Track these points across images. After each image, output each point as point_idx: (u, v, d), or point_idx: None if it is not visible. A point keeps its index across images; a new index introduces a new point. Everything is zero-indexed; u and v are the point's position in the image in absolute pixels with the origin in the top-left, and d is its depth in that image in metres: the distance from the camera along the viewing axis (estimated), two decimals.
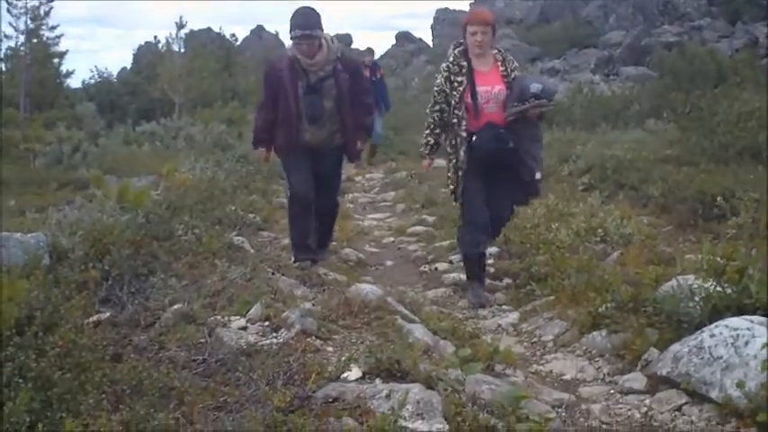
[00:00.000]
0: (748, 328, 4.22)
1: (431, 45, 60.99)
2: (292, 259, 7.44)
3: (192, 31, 43.82)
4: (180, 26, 35.88)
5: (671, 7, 45.52)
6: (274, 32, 65.02)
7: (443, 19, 61.53)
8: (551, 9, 57.09)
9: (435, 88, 7.01)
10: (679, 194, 9.76)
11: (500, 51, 7.12)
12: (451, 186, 7.06)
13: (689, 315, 4.85)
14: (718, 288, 4.80)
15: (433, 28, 62.35)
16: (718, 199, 8.91)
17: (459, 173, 6.88)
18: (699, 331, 4.50)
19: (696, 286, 4.97)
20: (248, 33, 68.33)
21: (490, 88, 6.83)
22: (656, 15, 45.51)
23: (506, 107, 6.78)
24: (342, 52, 7.57)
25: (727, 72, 21.00)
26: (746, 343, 4.13)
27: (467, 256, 7.14)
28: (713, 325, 4.43)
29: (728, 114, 13.10)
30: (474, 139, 6.74)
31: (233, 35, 58.26)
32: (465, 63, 6.87)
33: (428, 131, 7.12)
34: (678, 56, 25.97)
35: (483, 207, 6.90)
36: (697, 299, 4.87)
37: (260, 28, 68.94)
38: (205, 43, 47.61)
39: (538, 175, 6.89)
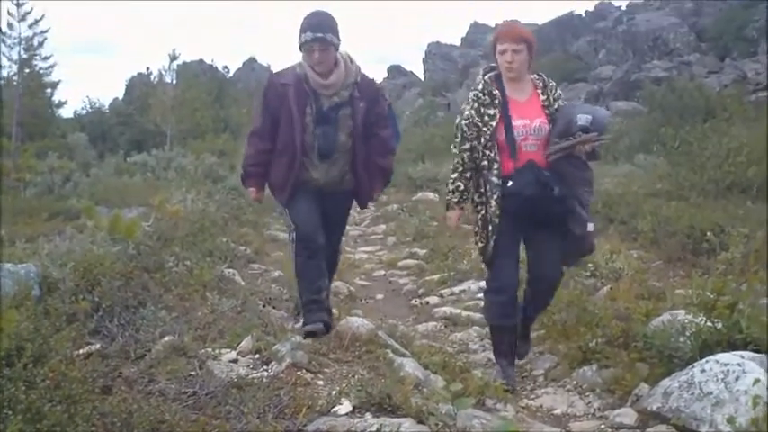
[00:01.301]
0: (739, 364, 4.23)
1: (422, 78, 61.40)
2: (301, 321, 5.89)
3: (184, 63, 44.05)
4: (173, 58, 36.07)
5: (660, 42, 45.82)
6: (266, 65, 65.25)
7: (435, 53, 62.02)
8: (541, 43, 57.18)
9: (464, 121, 5.54)
10: (669, 229, 9.79)
11: (540, 76, 5.66)
12: (480, 244, 5.62)
13: (679, 350, 4.87)
14: (709, 323, 4.82)
15: (424, 61, 62.73)
16: (708, 234, 8.94)
17: (490, 227, 5.46)
18: (689, 366, 4.51)
19: (686, 321, 4.99)
20: (240, 65, 68.78)
21: (529, 122, 5.40)
22: (645, 50, 45.79)
23: (549, 144, 5.39)
24: (361, 76, 5.94)
25: (716, 107, 21.12)
26: (737, 378, 4.14)
27: (495, 329, 5.73)
28: (704, 360, 4.44)
29: (718, 149, 13.19)
30: (510, 183, 5.34)
31: (225, 67, 58.65)
32: (497, 92, 5.46)
33: (456, 175, 5.63)
34: (667, 91, 26.12)
35: (515, 271, 5.56)
36: (687, 334, 4.89)
37: (252, 60, 69.34)
38: (197, 74, 47.82)
39: (590, 227, 5.44)
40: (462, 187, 5.63)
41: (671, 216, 10.22)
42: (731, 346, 4.62)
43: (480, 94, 5.52)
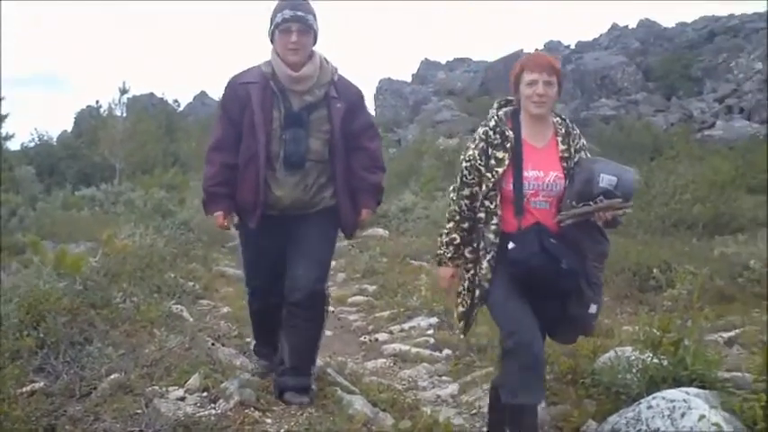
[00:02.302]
0: (684, 400, 4.27)
1: (373, 113, 61.75)
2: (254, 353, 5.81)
3: (134, 96, 43.86)
4: (123, 91, 35.87)
5: (608, 81, 46.65)
6: (217, 99, 65.17)
7: (386, 89, 62.48)
8: (492, 81, 58.24)
9: (465, 163, 4.46)
10: (616, 266, 9.91)
11: (564, 121, 4.59)
12: (461, 308, 4.59)
13: (626, 387, 4.91)
14: (655, 360, 4.88)
15: (375, 98, 63.13)
16: (655, 271, 9.07)
17: (477, 292, 4.44)
18: (636, 403, 4.55)
19: (633, 358, 5.04)
20: (191, 99, 68.66)
21: (542, 175, 4.34)
22: (593, 89, 46.58)
23: (562, 204, 4.36)
24: (338, 77, 5.09)
25: (663, 145, 21.54)
26: (683, 415, 4.18)
27: (517, 409, 4.31)
28: (650, 397, 4.48)
29: (664, 187, 13.44)
30: (511, 246, 4.28)
31: (175, 101, 58.45)
32: (510, 133, 4.39)
33: (452, 225, 4.53)
34: (616, 129, 26.61)
35: (529, 318, 4.29)
36: (634, 371, 4.93)
37: (203, 94, 69.23)
38: (147, 108, 47.63)
39: (593, 309, 4.41)
40: (458, 240, 4.53)
41: (618, 253, 10.35)
42: (677, 383, 4.67)
43: (491, 132, 4.43)
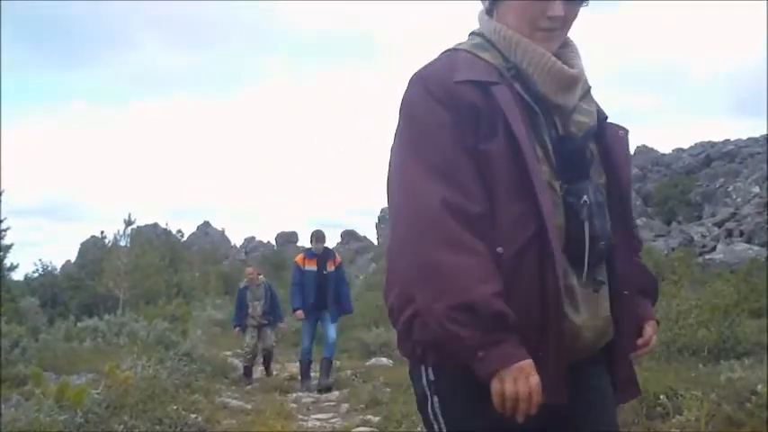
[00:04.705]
0: None
1: (376, 243, 62.10)
2: None
3: (138, 227, 44.25)
4: (128, 223, 36.21)
5: None
6: (220, 229, 65.65)
7: (388, 218, 63.08)
8: None
9: None
10: None
11: None
12: None
13: None
14: None
15: (377, 226, 63.62)
16: (662, 397, 8.98)
17: None
18: None
19: None
20: (195, 229, 69.24)
21: None
22: None
23: None
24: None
25: (665, 270, 21.59)
26: None
27: None
28: None
29: (668, 312, 13.41)
30: None
31: (179, 231, 58.90)
32: None
33: None
34: None
35: None
36: None
37: (206, 224, 69.78)
38: (151, 239, 47.99)
39: None
40: None
41: None
42: None
43: None
